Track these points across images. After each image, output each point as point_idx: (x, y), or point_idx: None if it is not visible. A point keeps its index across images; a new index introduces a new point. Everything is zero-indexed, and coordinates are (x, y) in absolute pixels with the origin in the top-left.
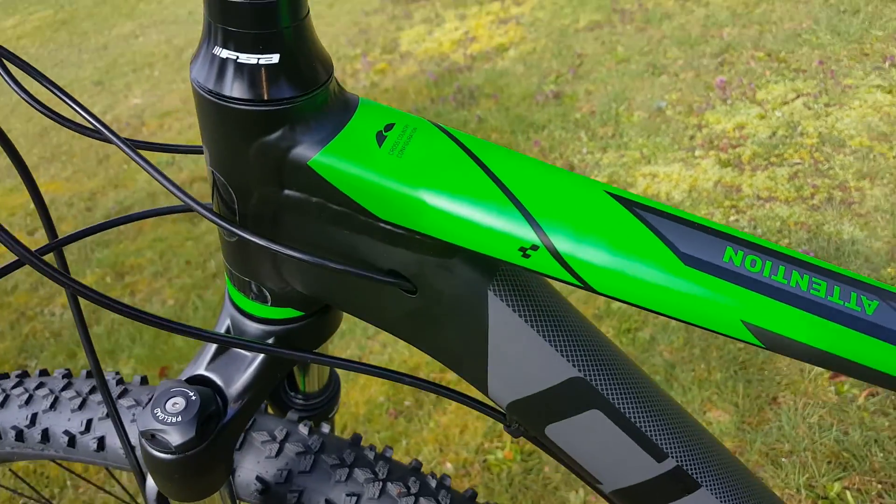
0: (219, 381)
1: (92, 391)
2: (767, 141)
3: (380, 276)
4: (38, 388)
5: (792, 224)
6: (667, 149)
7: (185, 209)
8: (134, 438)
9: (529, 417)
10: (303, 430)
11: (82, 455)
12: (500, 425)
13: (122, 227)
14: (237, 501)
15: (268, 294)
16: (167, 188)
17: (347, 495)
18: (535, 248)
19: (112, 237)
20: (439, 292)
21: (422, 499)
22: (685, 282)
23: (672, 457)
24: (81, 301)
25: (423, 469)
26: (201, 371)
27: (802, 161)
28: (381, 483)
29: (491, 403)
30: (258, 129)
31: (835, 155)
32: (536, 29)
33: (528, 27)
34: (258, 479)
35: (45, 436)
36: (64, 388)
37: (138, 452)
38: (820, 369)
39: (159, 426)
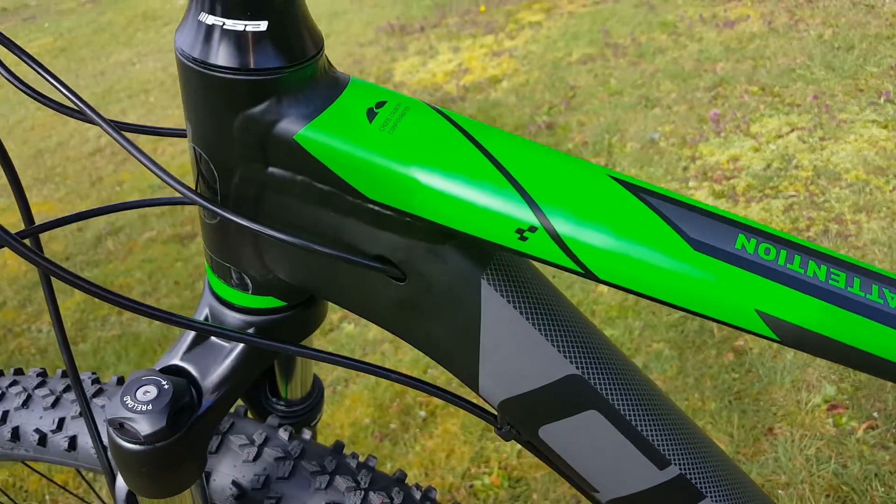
0: (194, 372)
1: (66, 390)
2: (762, 173)
3: (367, 261)
4: (11, 385)
5: None
6: (660, 179)
7: (170, 202)
8: (106, 438)
9: (522, 418)
10: (283, 435)
11: (53, 455)
12: (488, 449)
13: (112, 247)
14: None
15: (249, 281)
16: (147, 167)
17: None
18: (533, 229)
19: (102, 257)
20: (429, 280)
21: None
22: (695, 268)
23: (675, 464)
24: (66, 321)
25: (406, 481)
26: (176, 361)
27: (797, 193)
28: (363, 492)
29: (482, 404)
30: (243, 100)
31: (830, 188)
32: (529, 61)
33: (521, 59)
34: (234, 483)
35: (16, 434)
36: (38, 387)
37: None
38: (817, 400)
39: (128, 414)
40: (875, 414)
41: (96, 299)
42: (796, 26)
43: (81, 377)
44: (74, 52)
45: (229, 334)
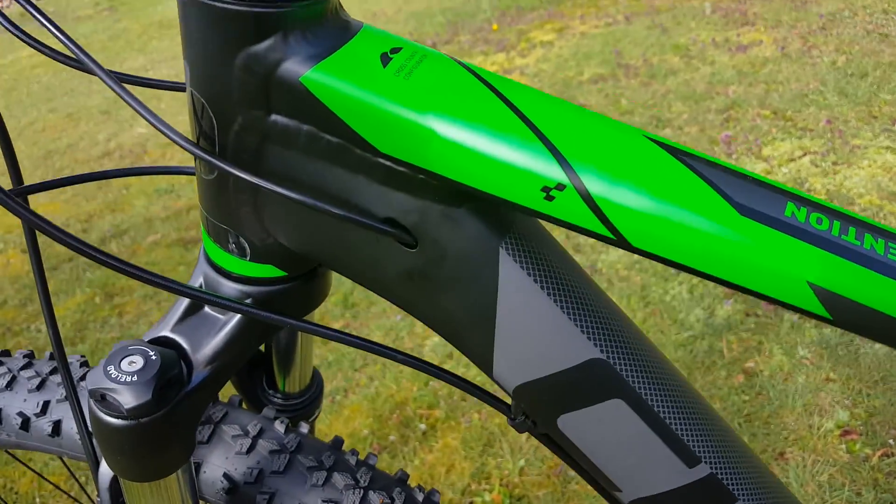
0: (185, 345)
1: (52, 372)
2: None
3: (375, 223)
4: None
5: None
6: None
7: (167, 171)
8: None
9: (540, 406)
10: (279, 427)
11: (35, 440)
12: (489, 465)
13: (115, 249)
14: (199, 501)
15: (247, 246)
16: (145, 117)
17: (324, 501)
18: (560, 187)
19: None
20: (443, 247)
21: None
22: (741, 234)
23: (706, 462)
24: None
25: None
26: (166, 332)
27: None
28: (361, 491)
29: (495, 392)
30: (246, 35)
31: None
32: (540, 80)
33: (531, 77)
34: (225, 476)
35: None
36: (23, 368)
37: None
38: (830, 425)
39: (111, 385)
40: (891, 441)
41: (97, 300)
42: (809, 52)
43: (69, 360)
44: None
45: (226, 303)
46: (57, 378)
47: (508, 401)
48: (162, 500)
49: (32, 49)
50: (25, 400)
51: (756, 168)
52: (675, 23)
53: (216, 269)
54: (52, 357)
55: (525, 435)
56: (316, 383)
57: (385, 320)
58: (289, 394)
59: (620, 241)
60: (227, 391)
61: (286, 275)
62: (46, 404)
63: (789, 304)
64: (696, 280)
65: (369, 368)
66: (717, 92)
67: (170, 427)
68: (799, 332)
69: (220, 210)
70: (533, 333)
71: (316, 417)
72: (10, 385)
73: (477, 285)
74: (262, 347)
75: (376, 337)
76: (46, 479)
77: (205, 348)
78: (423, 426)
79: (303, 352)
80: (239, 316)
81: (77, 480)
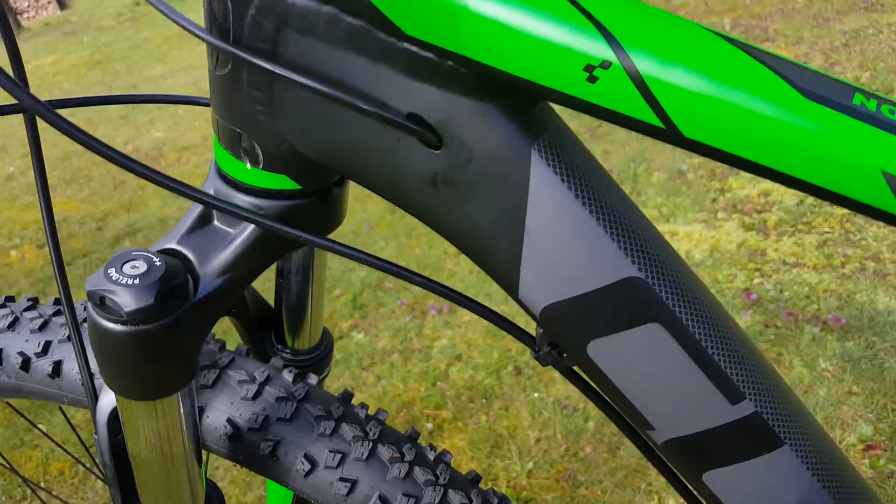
0: (192, 257)
1: (56, 314)
2: (794, 208)
3: (397, 118)
4: None
5: (821, 291)
6: (687, 209)
7: (185, 101)
8: (94, 364)
9: (569, 331)
10: (287, 376)
11: (35, 382)
12: (497, 467)
13: (129, 246)
14: (202, 445)
15: (260, 152)
16: (156, 7)
17: (331, 451)
18: (606, 65)
19: None
20: (470, 147)
21: (417, 468)
22: (807, 119)
23: (750, 399)
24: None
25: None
26: (173, 245)
27: (832, 230)
28: (370, 443)
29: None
30: None
31: (867, 227)
32: None
33: None
34: (229, 421)
35: None
36: (27, 310)
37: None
38: (852, 439)
39: (111, 287)
40: None
41: None
42: (832, 69)
43: (75, 305)
44: (110, 65)
45: (239, 212)
46: (59, 319)
47: (533, 333)
48: (160, 425)
49: (56, 56)
50: (27, 340)
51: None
52: None
53: (227, 181)
54: (56, 301)
55: (533, 437)
56: (326, 342)
57: (394, 321)
58: (298, 350)
59: (670, 131)
60: (234, 341)
61: (300, 189)
62: (48, 344)
63: (858, 202)
64: (713, 287)
65: (377, 367)
66: None
67: (172, 340)
68: (820, 345)
69: (233, 110)
70: (565, 246)
71: (325, 377)
72: (12, 325)
73: (506, 191)
74: (271, 303)
75: (385, 338)
76: (50, 437)
77: (213, 262)
78: (429, 426)
79: (313, 308)
80: (249, 230)
81: (79, 437)
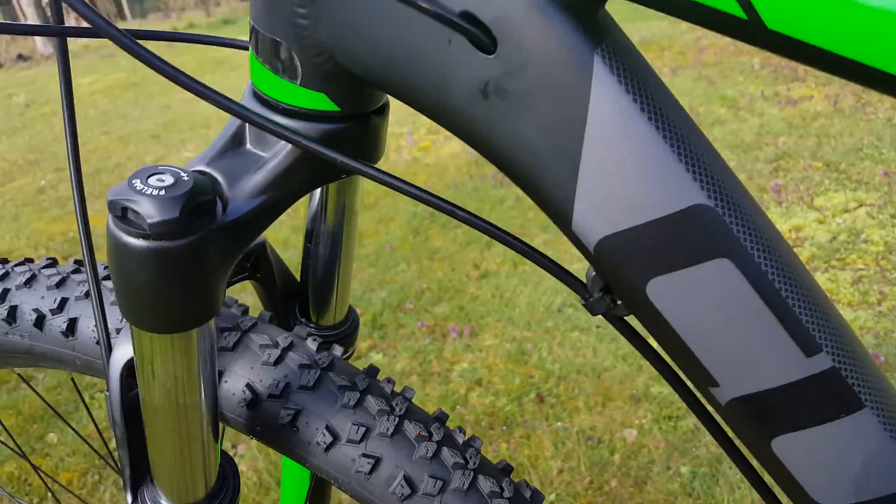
0: (221, 179)
1: (75, 272)
2: (828, 244)
3: (450, 15)
4: (18, 265)
5: (857, 328)
6: None
7: (223, 42)
8: (112, 320)
9: (627, 266)
10: (311, 344)
11: (48, 342)
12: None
13: None
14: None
15: (298, 65)
16: None
17: (354, 424)
18: None
19: None
20: (527, 51)
21: (445, 449)
22: None
23: (827, 352)
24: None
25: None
26: (202, 167)
27: (867, 267)
28: (397, 419)
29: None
30: None
31: None
32: None
33: None
34: (248, 387)
35: (12, 315)
36: (45, 268)
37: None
38: None
39: (134, 197)
40: None
41: None
42: (863, 109)
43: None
44: (145, 87)
45: (278, 129)
46: (78, 277)
47: (583, 280)
48: (176, 366)
49: (93, 77)
50: (43, 297)
51: (808, 218)
52: (723, 76)
53: (263, 102)
54: (76, 261)
55: (556, 468)
56: (351, 320)
57: (413, 342)
58: (322, 326)
59: (752, 23)
60: (257, 308)
61: (339, 112)
62: (64, 301)
63: None
64: None
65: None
66: (766, 142)
67: (195, 264)
68: None
69: (273, 16)
70: (628, 167)
71: (349, 356)
72: (29, 282)
73: (564, 102)
74: (297, 277)
75: (403, 360)
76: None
77: (242, 185)
78: None
79: (340, 281)
80: (283, 155)
81: (85, 404)
